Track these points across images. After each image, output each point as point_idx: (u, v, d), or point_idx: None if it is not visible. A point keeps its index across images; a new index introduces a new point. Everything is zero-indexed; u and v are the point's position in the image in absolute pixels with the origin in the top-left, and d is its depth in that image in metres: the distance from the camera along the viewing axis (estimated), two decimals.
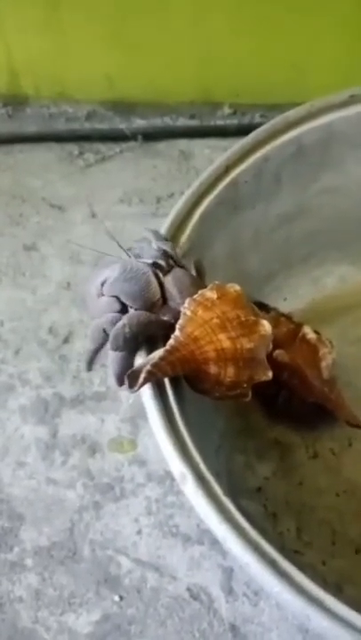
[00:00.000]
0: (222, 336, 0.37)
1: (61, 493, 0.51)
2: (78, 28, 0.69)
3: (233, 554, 0.31)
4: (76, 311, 0.61)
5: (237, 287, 0.39)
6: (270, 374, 0.39)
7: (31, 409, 0.55)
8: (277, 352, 0.48)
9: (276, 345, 0.47)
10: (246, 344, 0.38)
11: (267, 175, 0.46)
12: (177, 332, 0.38)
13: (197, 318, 0.38)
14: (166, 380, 0.39)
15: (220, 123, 0.74)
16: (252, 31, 0.68)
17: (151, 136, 0.73)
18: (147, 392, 0.37)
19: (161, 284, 0.39)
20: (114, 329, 0.38)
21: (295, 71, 0.69)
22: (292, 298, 0.56)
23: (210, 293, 0.39)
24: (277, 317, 0.50)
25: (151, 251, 0.40)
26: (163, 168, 0.72)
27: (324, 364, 0.50)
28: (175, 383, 0.39)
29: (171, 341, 0.37)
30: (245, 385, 0.39)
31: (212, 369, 0.38)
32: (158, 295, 0.39)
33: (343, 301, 0.57)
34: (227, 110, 0.74)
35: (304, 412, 0.51)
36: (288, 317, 0.51)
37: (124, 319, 0.38)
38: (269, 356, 0.46)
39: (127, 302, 0.39)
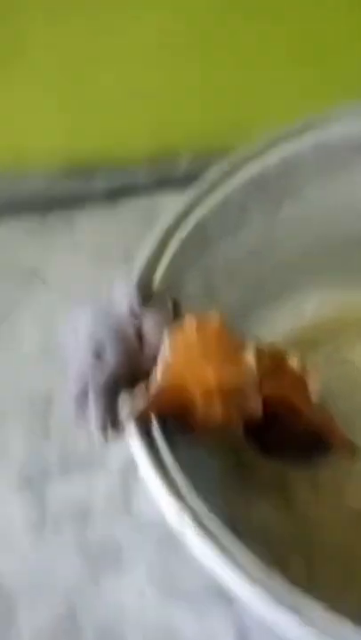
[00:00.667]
0: (207, 369, 0.36)
1: (55, 570, 0.47)
2: (31, 98, 0.70)
3: (242, 598, 0.28)
4: (56, 376, 0.58)
5: (217, 316, 0.38)
6: (260, 403, 0.37)
7: (14, 481, 0.52)
8: (262, 384, 0.46)
9: (260, 376, 0.45)
10: (232, 375, 0.37)
11: (232, 210, 0.46)
12: (158, 373, 0.36)
13: (178, 355, 0.36)
14: (155, 428, 0.37)
15: (181, 174, 0.74)
16: (207, 83, 0.70)
17: (114, 195, 0.74)
18: (135, 443, 0.35)
19: (138, 328, 0.38)
20: (91, 380, 0.37)
21: (249, 115, 0.71)
22: (271, 329, 0.54)
23: (189, 326, 0.37)
24: (259, 348, 0.49)
25: (124, 294, 0.39)
26: (128, 225, 0.72)
27: (311, 389, 0.48)
28: (164, 429, 0.37)
29: (153, 382, 0.36)
30: (235, 417, 0.37)
31: (200, 404, 0.36)
32: (134, 338, 0.38)
33: (323, 328, 0.56)
34: (185, 160, 0.75)
35: (298, 444, 0.49)
36: (270, 346, 0.49)
37: (100, 368, 0.37)
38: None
39: (100, 348, 0.38)
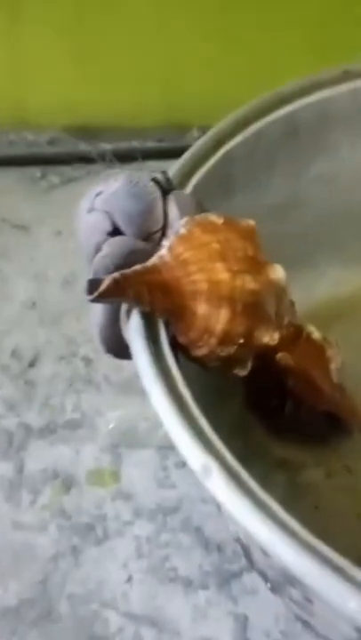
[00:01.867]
0: (220, 265, 0.30)
1: (31, 539, 0.42)
2: (39, 49, 0.66)
3: (286, 563, 0.23)
4: (43, 332, 0.54)
5: (251, 222, 0.32)
6: (276, 337, 0.32)
7: None
8: (280, 355, 0.42)
9: (279, 348, 0.40)
10: (249, 283, 0.30)
11: (261, 149, 0.42)
12: (163, 251, 0.30)
13: (193, 239, 0.30)
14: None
15: (188, 144, 0.71)
16: (220, 53, 0.67)
17: (118, 159, 0.70)
18: (143, 357, 0.30)
19: (164, 207, 0.32)
20: (94, 262, 0.30)
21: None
22: None
23: (215, 217, 0.31)
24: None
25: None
26: None
27: (332, 366, 0.44)
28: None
29: (153, 259, 0.30)
30: (242, 341, 0.31)
31: (201, 308, 0.30)
32: (161, 225, 0.32)
33: (337, 306, 0.52)
34: (195, 133, 0.71)
35: (313, 425, 0.45)
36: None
37: (107, 246, 0.31)
38: (271, 360, 0.39)
39: (121, 224, 0.32)
